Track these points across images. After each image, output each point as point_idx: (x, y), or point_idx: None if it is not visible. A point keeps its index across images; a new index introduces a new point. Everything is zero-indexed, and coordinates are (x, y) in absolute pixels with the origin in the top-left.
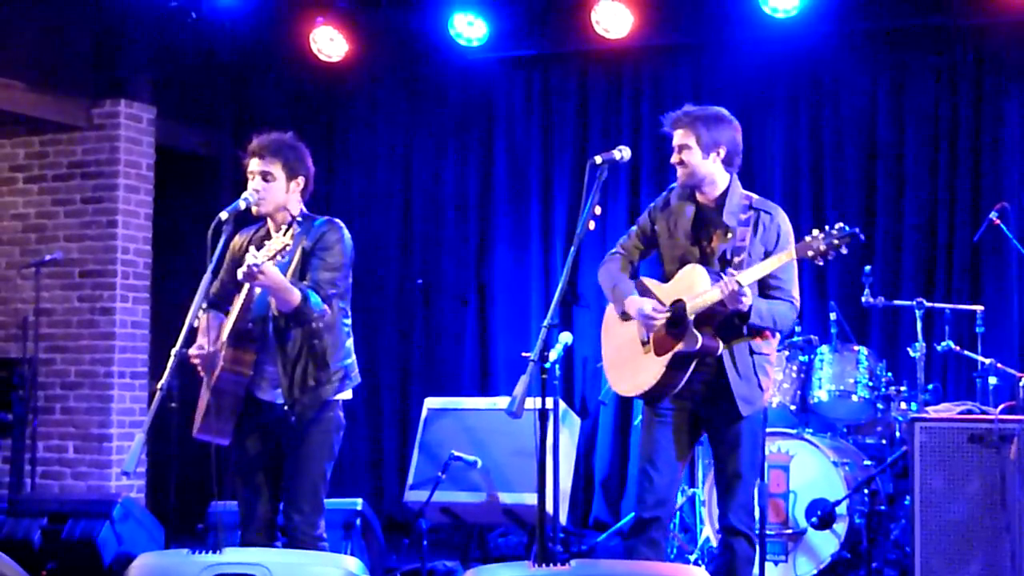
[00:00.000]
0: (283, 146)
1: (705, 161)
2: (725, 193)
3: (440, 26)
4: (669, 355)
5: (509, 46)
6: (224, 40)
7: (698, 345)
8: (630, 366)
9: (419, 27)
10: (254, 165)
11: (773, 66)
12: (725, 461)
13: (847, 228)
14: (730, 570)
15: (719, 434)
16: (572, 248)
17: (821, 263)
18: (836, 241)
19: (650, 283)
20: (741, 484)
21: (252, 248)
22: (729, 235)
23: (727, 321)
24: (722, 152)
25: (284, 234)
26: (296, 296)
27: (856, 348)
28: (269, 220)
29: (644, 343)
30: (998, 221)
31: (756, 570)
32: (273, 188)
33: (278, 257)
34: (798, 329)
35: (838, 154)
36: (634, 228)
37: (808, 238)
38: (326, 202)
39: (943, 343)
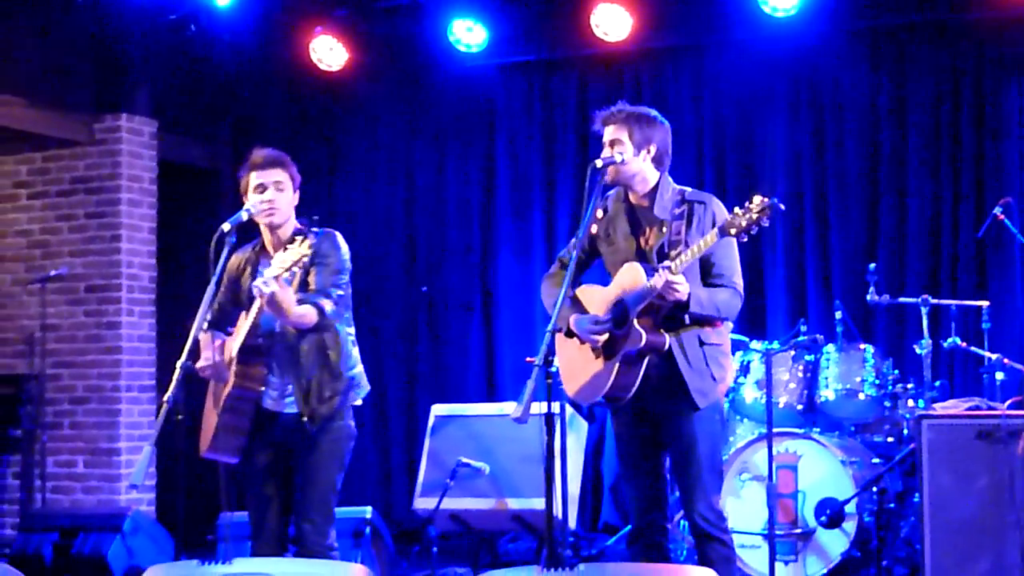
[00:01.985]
0: (286, 158)
1: (635, 159)
2: (655, 189)
3: (440, 33)
4: (618, 357)
5: (509, 51)
6: (224, 52)
7: (643, 342)
8: (583, 374)
9: (418, 34)
10: (263, 176)
11: (774, 65)
12: (684, 461)
13: (767, 200)
14: None
15: (674, 436)
16: (575, 252)
17: (745, 239)
18: (755, 215)
19: (591, 289)
20: (702, 485)
21: (269, 266)
22: (664, 229)
23: (670, 314)
24: (652, 150)
25: (300, 244)
26: (313, 315)
27: (862, 346)
28: (266, 234)
29: (594, 350)
30: (1002, 216)
31: (766, 570)
32: (284, 198)
33: (295, 269)
34: (804, 328)
35: (840, 152)
36: (572, 240)
37: (729, 216)
38: (329, 212)
39: (949, 339)
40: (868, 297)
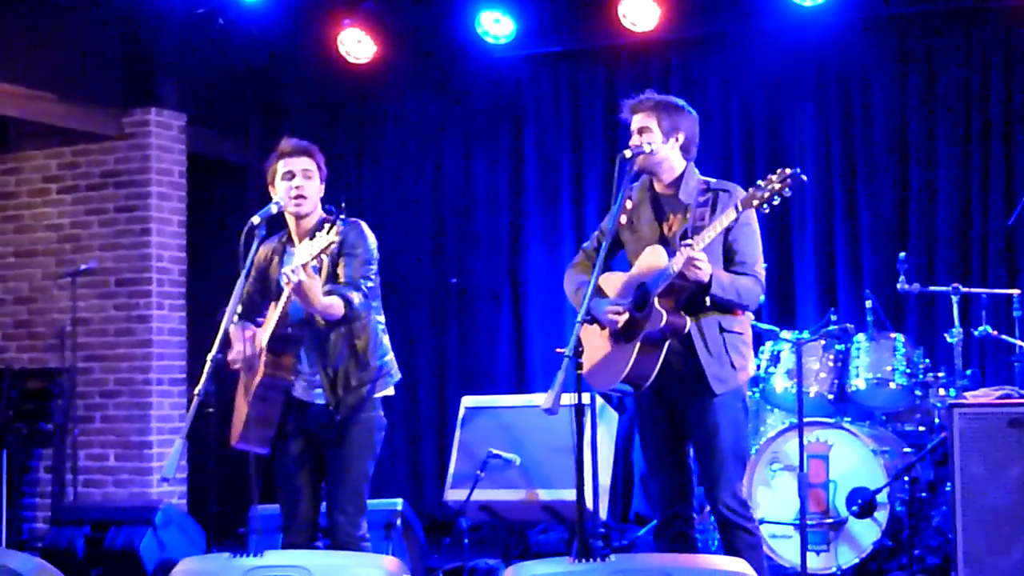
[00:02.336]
0: (314, 147)
1: (664, 146)
2: (681, 177)
3: (467, 24)
4: (639, 338)
5: (536, 43)
6: (252, 45)
7: (663, 322)
8: (604, 360)
9: (446, 26)
10: (291, 164)
11: (801, 54)
12: (706, 450)
13: (788, 170)
14: None
15: (696, 424)
16: (604, 242)
17: (767, 210)
18: (777, 185)
19: (610, 277)
20: (725, 473)
21: (296, 252)
22: (688, 215)
23: (692, 298)
24: (680, 138)
25: (328, 231)
26: (340, 307)
27: (893, 335)
28: (293, 224)
29: (613, 333)
30: None
31: (798, 560)
32: (312, 186)
33: (323, 256)
34: (834, 318)
35: (869, 141)
36: (596, 232)
37: (751, 189)
38: (358, 203)
39: (980, 328)
40: (898, 286)
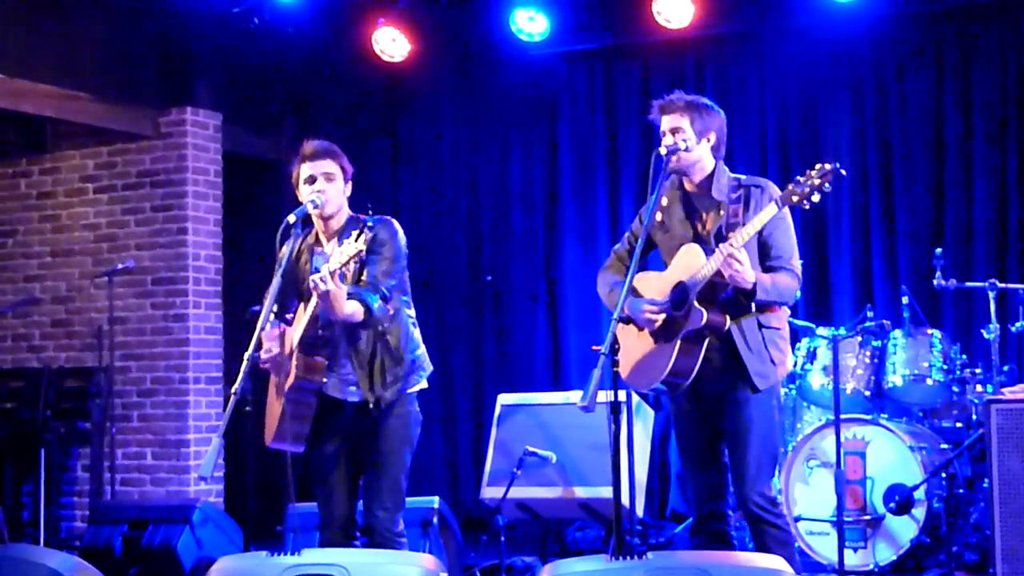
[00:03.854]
0: (335, 148)
1: (697, 146)
2: (711, 176)
3: (501, 22)
4: (678, 337)
5: (571, 40)
6: (287, 44)
7: (703, 320)
8: (643, 361)
9: (480, 24)
10: (313, 167)
11: (837, 50)
12: (738, 445)
13: (828, 165)
14: None
15: (732, 415)
16: (640, 239)
17: (807, 206)
18: (816, 180)
19: (645, 277)
20: (757, 469)
21: (329, 255)
22: (721, 212)
23: (734, 300)
24: (712, 138)
25: (356, 240)
26: (360, 313)
27: (929, 331)
28: (319, 224)
29: (652, 333)
30: None
31: (835, 557)
32: (335, 189)
33: (351, 264)
34: (870, 314)
35: (905, 137)
36: (627, 234)
37: (790, 185)
38: (393, 202)
39: (1017, 324)
40: (935, 282)
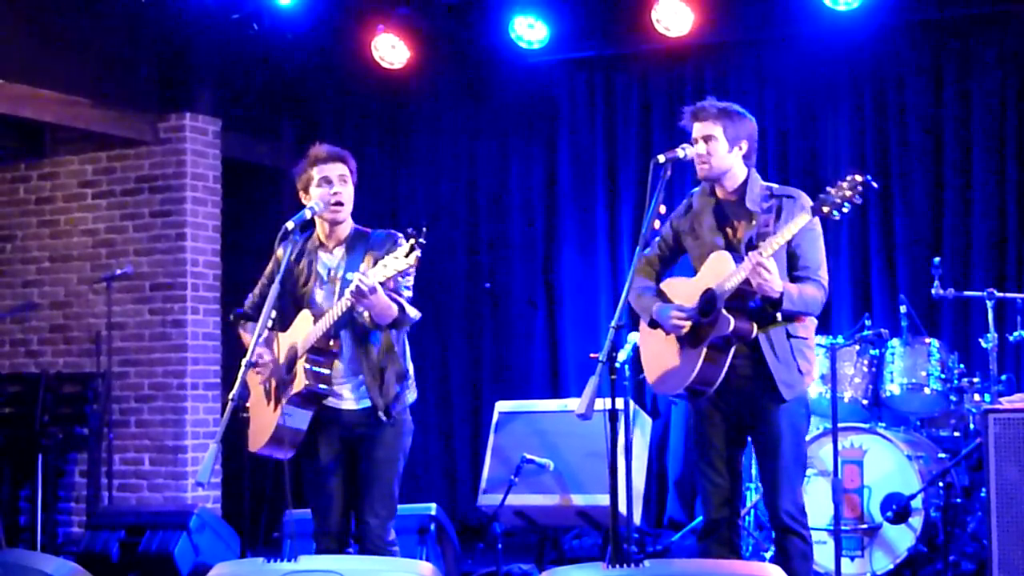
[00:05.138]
0: (346, 153)
1: (729, 155)
2: (744, 184)
3: (501, 29)
4: (705, 344)
5: (570, 48)
6: (286, 50)
7: (730, 328)
8: (669, 366)
9: (480, 31)
10: (328, 170)
11: (836, 59)
12: (767, 457)
13: (859, 177)
14: (788, 571)
15: (760, 428)
16: (638, 248)
17: (837, 216)
18: (848, 192)
19: (677, 281)
20: (787, 479)
21: (363, 264)
22: (753, 221)
23: (761, 311)
24: (744, 146)
25: (408, 255)
26: (394, 310)
27: (927, 340)
28: (323, 229)
29: (679, 339)
30: None
31: (832, 566)
32: (349, 192)
33: (399, 278)
34: (868, 323)
35: (904, 146)
36: (657, 239)
37: (821, 196)
38: (392, 209)
39: (1015, 333)
40: (933, 291)
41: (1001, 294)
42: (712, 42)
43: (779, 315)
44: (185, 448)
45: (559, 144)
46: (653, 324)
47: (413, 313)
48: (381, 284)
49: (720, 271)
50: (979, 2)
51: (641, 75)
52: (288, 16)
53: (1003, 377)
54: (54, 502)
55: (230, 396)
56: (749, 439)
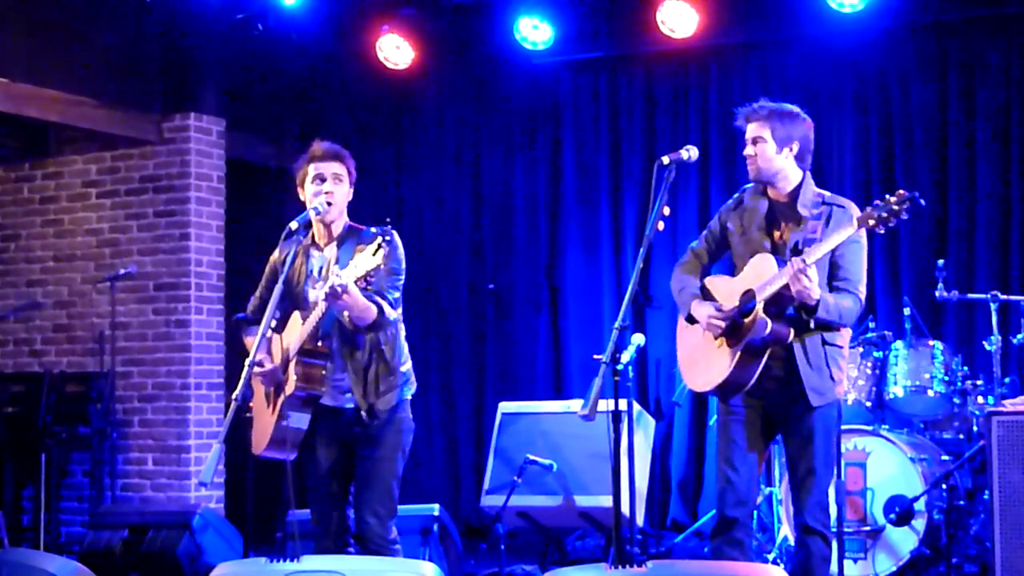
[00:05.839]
0: (345, 151)
1: (778, 156)
2: (798, 188)
3: (505, 30)
4: (741, 345)
5: (575, 49)
6: (291, 51)
7: (767, 331)
8: (704, 362)
9: (485, 32)
10: (322, 168)
11: (841, 61)
12: (798, 457)
13: (907, 193)
14: (806, 569)
15: (791, 429)
16: (642, 249)
17: (882, 231)
18: (895, 207)
19: (717, 280)
20: (815, 481)
21: (335, 267)
22: (802, 225)
23: (796, 317)
24: (795, 148)
25: (375, 253)
26: (373, 311)
27: (931, 343)
28: (318, 228)
29: (716, 338)
30: None
31: (835, 568)
32: (342, 192)
33: (368, 277)
34: (872, 325)
35: (908, 148)
36: (704, 232)
37: (869, 208)
38: (396, 209)
39: (1019, 335)
40: (937, 293)
41: (1005, 297)
42: (717, 44)
43: (812, 322)
44: (188, 448)
45: (563, 145)
46: (691, 319)
47: (391, 314)
48: (369, 282)
49: (762, 273)
50: (984, 5)
51: (646, 76)
52: (293, 16)
53: (1007, 380)
54: (57, 501)
55: (233, 396)
56: (775, 444)
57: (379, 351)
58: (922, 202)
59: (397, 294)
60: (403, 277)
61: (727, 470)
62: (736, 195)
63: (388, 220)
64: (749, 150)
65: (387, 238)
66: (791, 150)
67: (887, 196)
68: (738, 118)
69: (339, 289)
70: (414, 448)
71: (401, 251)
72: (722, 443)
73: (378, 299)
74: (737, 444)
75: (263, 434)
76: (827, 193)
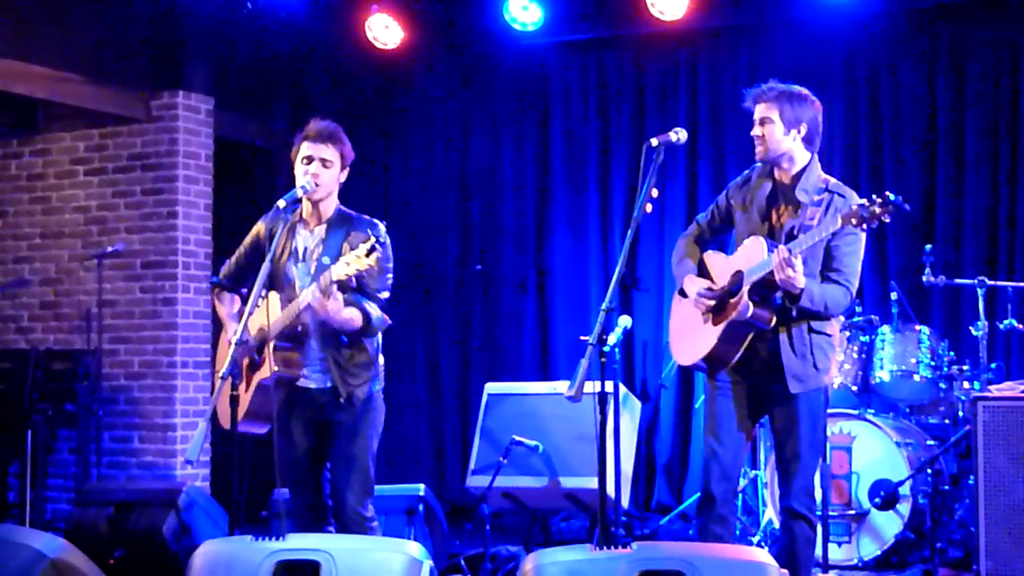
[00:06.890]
0: (340, 134)
1: (786, 137)
2: (803, 171)
3: (495, 11)
4: (723, 324)
5: (564, 30)
6: (280, 30)
7: (749, 314)
8: (690, 336)
9: (474, 12)
10: (312, 149)
11: (830, 45)
12: (784, 441)
13: (890, 196)
14: (791, 552)
15: (776, 413)
16: (629, 232)
17: (863, 230)
18: (877, 209)
19: (714, 257)
20: (801, 465)
21: (303, 239)
22: (799, 211)
23: (780, 305)
24: (803, 130)
25: (367, 255)
26: (356, 321)
27: (918, 328)
28: (306, 207)
29: (704, 314)
30: None
31: (819, 551)
32: (330, 175)
33: (359, 277)
34: (859, 309)
35: (897, 133)
36: (712, 205)
37: (855, 207)
38: (384, 190)
39: (1005, 321)
40: (924, 278)
41: (992, 282)
42: (706, 26)
43: (794, 311)
44: (174, 426)
45: (552, 127)
46: (683, 293)
47: (379, 320)
48: (359, 282)
49: (752, 257)
50: None
51: (635, 58)
52: None
53: (992, 365)
54: (43, 478)
55: (220, 374)
56: (760, 427)
57: (359, 343)
58: (907, 207)
59: (387, 294)
60: (391, 273)
61: (713, 443)
62: (746, 172)
63: (380, 220)
64: (757, 131)
65: (380, 240)
66: (799, 132)
67: (874, 197)
68: (747, 99)
69: (316, 305)
70: (400, 428)
71: (390, 248)
72: (709, 417)
73: (366, 305)
74: (724, 418)
75: (239, 409)
76: (832, 180)
